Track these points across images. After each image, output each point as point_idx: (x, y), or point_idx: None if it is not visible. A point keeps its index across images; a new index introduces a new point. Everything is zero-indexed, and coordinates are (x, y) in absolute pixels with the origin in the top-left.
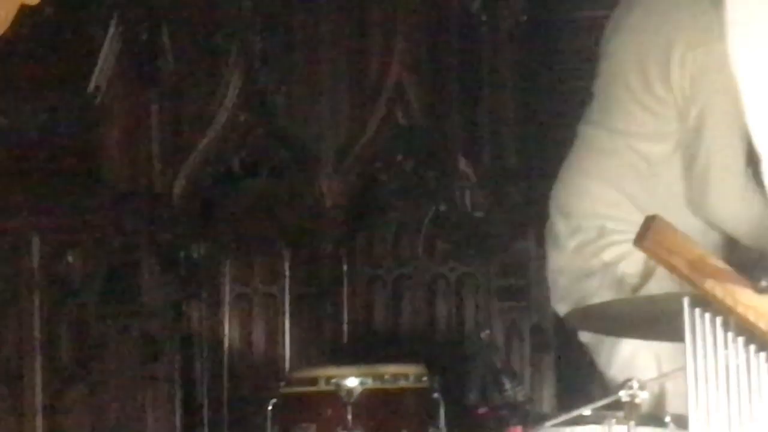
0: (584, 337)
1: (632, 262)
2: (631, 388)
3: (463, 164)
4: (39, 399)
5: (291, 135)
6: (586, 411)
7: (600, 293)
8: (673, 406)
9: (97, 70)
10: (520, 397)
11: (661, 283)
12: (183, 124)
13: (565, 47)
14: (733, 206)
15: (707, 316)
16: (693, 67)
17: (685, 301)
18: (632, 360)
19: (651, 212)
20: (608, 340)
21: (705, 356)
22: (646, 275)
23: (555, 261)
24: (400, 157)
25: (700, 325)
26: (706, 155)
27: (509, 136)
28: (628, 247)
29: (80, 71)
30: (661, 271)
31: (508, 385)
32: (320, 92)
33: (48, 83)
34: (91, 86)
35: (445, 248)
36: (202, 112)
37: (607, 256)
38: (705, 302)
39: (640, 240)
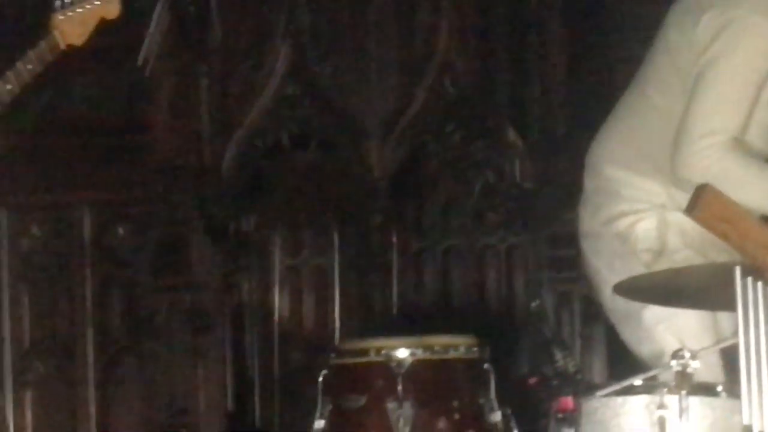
0: (612, 316)
1: (644, 237)
2: (682, 357)
3: (511, 134)
4: (91, 371)
5: (339, 107)
6: (637, 381)
7: (613, 264)
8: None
9: (145, 44)
10: (570, 368)
11: (673, 257)
12: (231, 97)
13: (613, 15)
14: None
15: (759, 285)
16: (719, 21)
17: (737, 271)
18: (658, 334)
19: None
20: (634, 317)
21: (757, 325)
22: (659, 251)
23: (581, 224)
24: (448, 128)
25: (752, 294)
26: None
27: (558, 105)
28: (638, 219)
29: (129, 45)
30: (673, 245)
31: (558, 356)
32: (368, 64)
33: (97, 57)
34: (140, 60)
35: (494, 219)
36: (251, 85)
37: (620, 227)
38: (757, 271)
39: (691, 209)
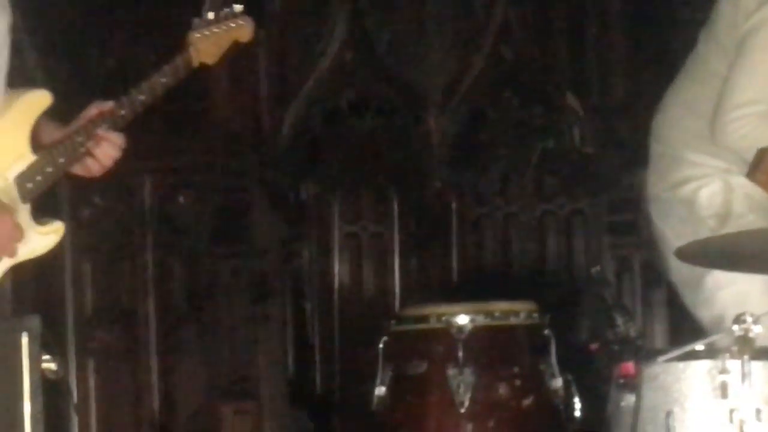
0: (676, 281)
1: (708, 202)
2: (744, 322)
3: (571, 99)
4: (153, 339)
5: (398, 73)
6: (699, 346)
7: (678, 229)
8: None
9: (204, 11)
10: (631, 333)
11: (739, 222)
12: (290, 64)
13: None
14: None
15: None
16: None
17: None
18: (720, 299)
19: None
20: (696, 283)
21: None
22: (725, 216)
23: (647, 188)
24: (507, 94)
25: None
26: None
27: (617, 69)
28: (702, 184)
29: (188, 13)
30: (738, 210)
31: (619, 321)
32: (426, 30)
33: (156, 25)
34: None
35: (553, 185)
36: (309, 52)
37: (686, 192)
38: None
39: (752, 172)
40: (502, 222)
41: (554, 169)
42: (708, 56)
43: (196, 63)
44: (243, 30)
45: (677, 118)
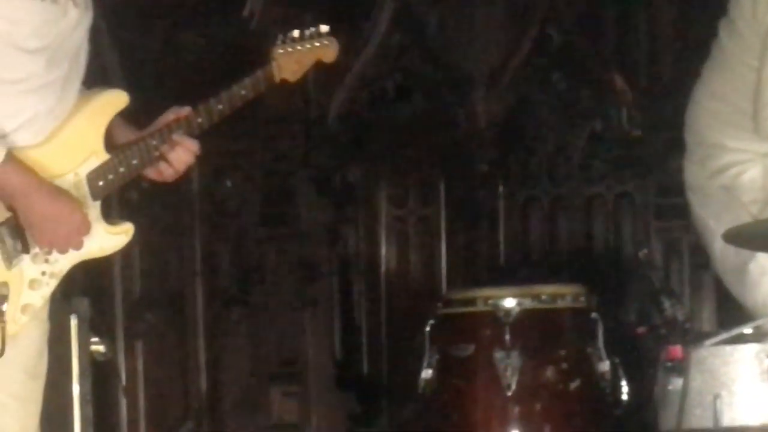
0: (720, 267)
1: (749, 187)
2: None
3: (618, 82)
4: (200, 321)
5: (444, 56)
6: (747, 329)
7: (720, 215)
8: None
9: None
10: (679, 316)
11: None
12: None
13: None
14: None
15: None
16: None
17: None
18: (764, 285)
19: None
20: (740, 269)
21: None
22: (766, 200)
23: (687, 177)
24: (554, 77)
25: None
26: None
27: (665, 51)
28: (743, 169)
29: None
30: None
31: (667, 304)
32: (473, 12)
33: (205, 8)
34: (246, 10)
35: (601, 167)
36: (356, 35)
37: (726, 179)
38: None
39: None
40: (549, 205)
41: (602, 152)
42: (731, 48)
43: (277, 78)
44: (328, 50)
45: (709, 109)
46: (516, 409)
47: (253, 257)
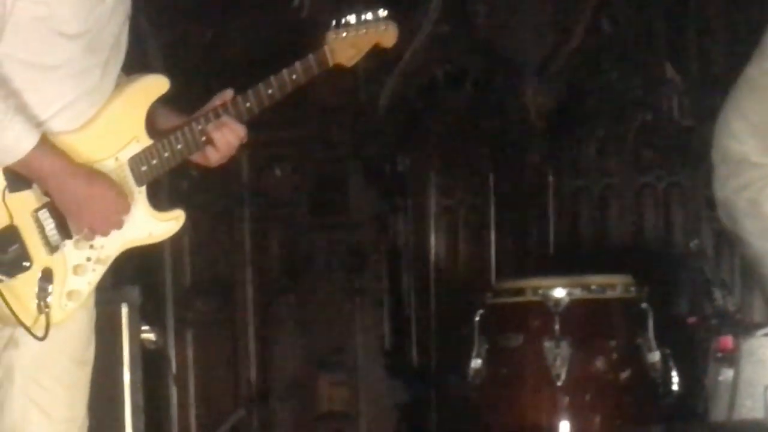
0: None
1: None
2: None
3: (670, 72)
4: (250, 310)
5: (494, 46)
6: None
7: (749, 227)
8: None
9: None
10: (730, 307)
11: None
12: None
13: None
14: None
15: None
16: None
17: None
18: None
19: None
20: None
21: None
22: None
23: (713, 193)
24: (605, 66)
25: None
26: None
27: (716, 41)
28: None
29: None
30: None
31: (718, 295)
32: (523, 2)
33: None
34: (296, 1)
35: (652, 157)
36: (406, 24)
37: (750, 192)
38: None
39: None
40: (600, 195)
41: (652, 142)
42: (762, 61)
43: (331, 63)
44: (387, 34)
45: (736, 127)
46: (565, 400)
47: (303, 246)
